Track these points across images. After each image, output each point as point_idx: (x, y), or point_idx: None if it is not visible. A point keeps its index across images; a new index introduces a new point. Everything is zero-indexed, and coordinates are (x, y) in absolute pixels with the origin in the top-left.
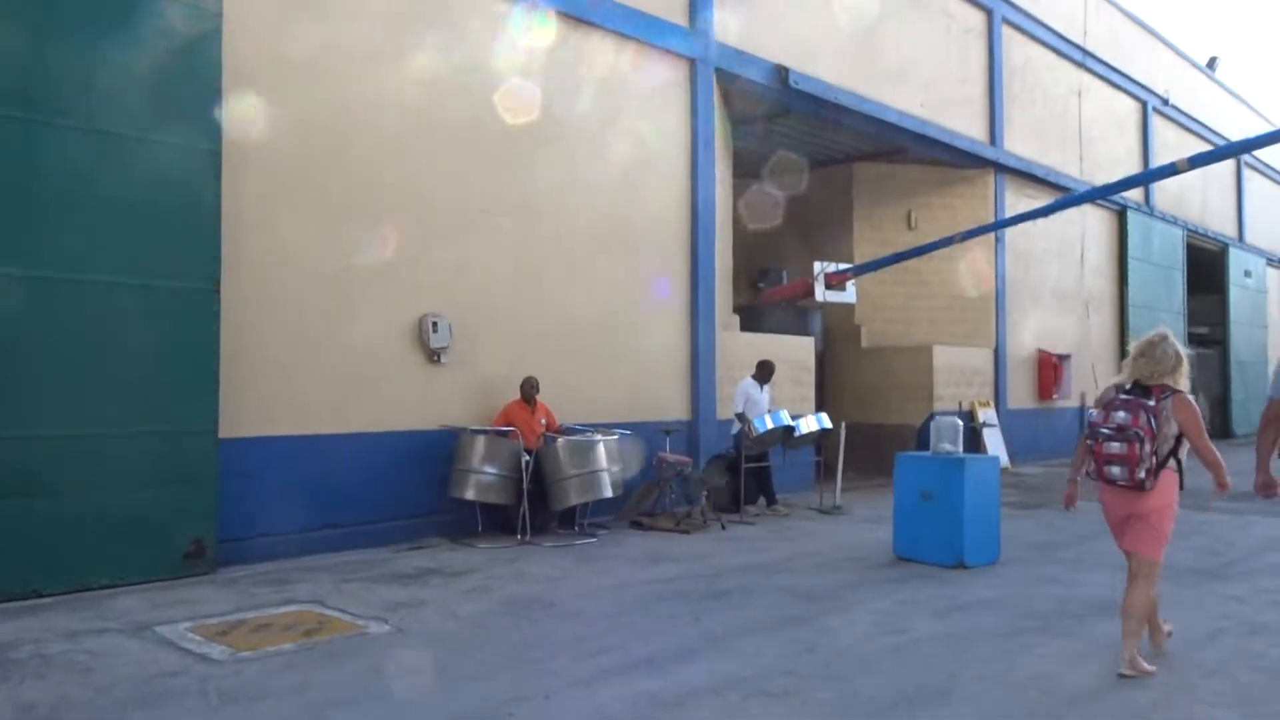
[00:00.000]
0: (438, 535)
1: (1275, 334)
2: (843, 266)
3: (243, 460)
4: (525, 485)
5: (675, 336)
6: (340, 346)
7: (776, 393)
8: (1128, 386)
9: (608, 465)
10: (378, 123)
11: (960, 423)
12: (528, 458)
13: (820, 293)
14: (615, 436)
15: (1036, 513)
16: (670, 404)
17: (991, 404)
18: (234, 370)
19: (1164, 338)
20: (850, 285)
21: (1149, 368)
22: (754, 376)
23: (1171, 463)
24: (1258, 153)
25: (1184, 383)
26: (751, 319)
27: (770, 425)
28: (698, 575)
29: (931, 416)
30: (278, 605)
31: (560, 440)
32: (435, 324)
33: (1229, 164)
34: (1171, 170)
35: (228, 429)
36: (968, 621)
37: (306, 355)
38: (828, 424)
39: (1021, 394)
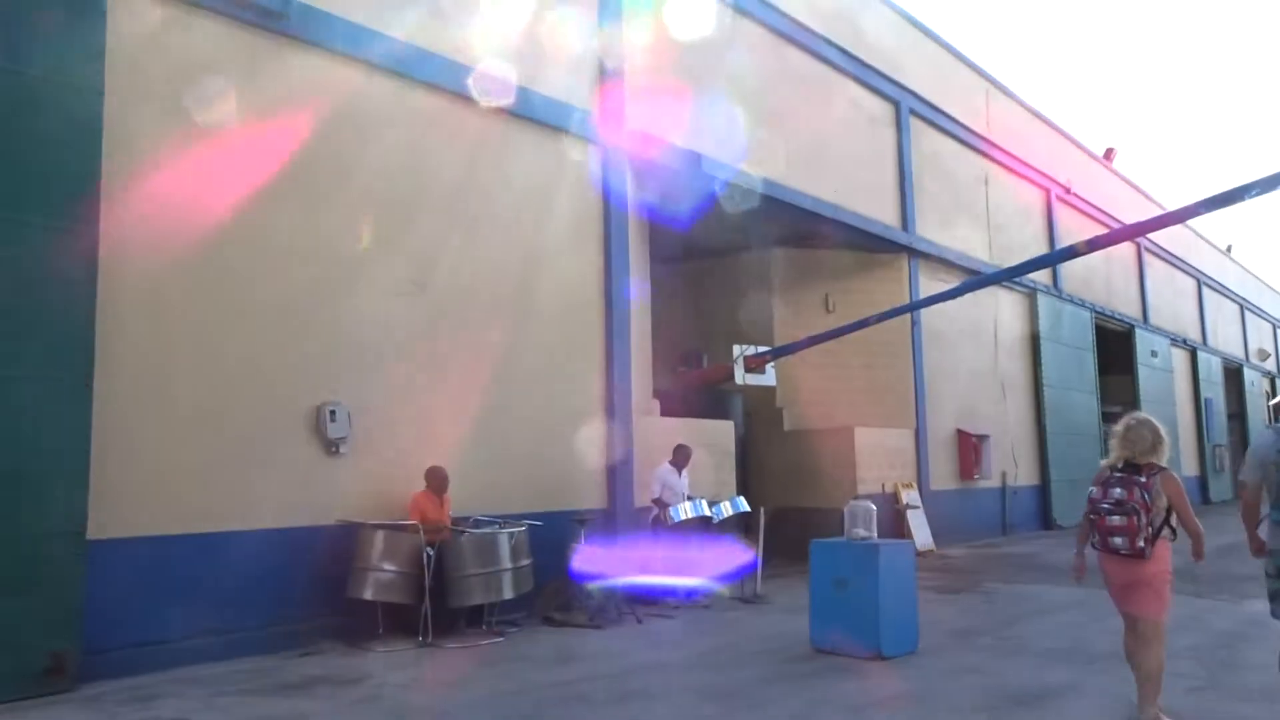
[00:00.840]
0: (334, 639)
1: (1184, 412)
2: (761, 350)
3: (113, 563)
4: (427, 582)
5: (591, 423)
6: (227, 439)
7: (697, 477)
8: (1120, 466)
9: (513, 562)
10: (267, 195)
11: (874, 507)
12: (431, 553)
13: (739, 375)
14: (522, 529)
15: (959, 597)
16: (587, 492)
17: (914, 485)
18: (106, 467)
19: (1141, 421)
20: (769, 368)
21: (1132, 449)
22: (671, 462)
23: (1166, 532)
24: (1155, 238)
25: (1164, 458)
26: (673, 403)
27: (689, 514)
28: (605, 676)
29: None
30: None
31: (465, 535)
32: (333, 413)
33: (1131, 249)
34: (1071, 253)
35: (97, 530)
36: None
37: (188, 449)
38: (745, 507)
39: (944, 474)
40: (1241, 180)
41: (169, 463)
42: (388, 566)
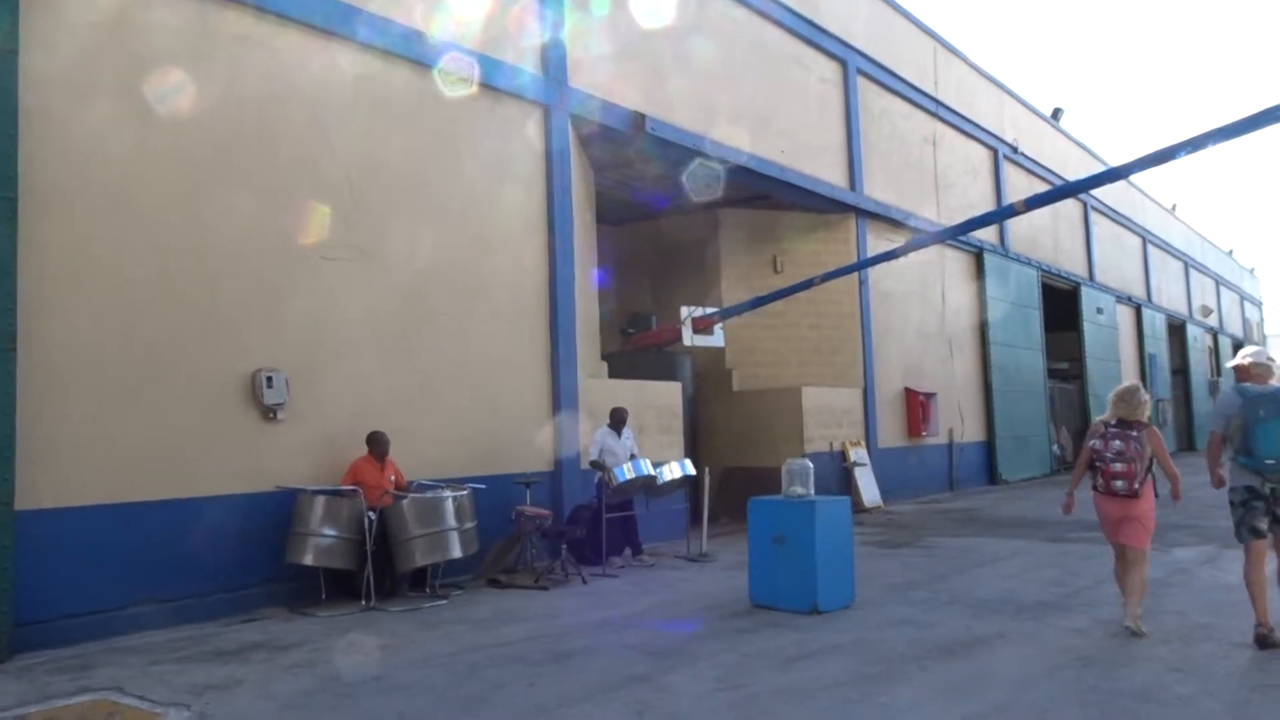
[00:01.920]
0: (276, 605)
1: (1128, 369)
2: (709, 311)
3: (45, 534)
4: (369, 547)
5: (535, 386)
6: (161, 406)
7: (645, 440)
8: (1113, 423)
9: (458, 523)
10: (195, 160)
11: (810, 465)
12: (373, 517)
13: (687, 337)
14: (465, 492)
15: (899, 552)
16: (532, 455)
17: (863, 443)
18: (35, 435)
19: (1137, 388)
20: (718, 329)
21: (1127, 410)
22: (608, 425)
23: (1149, 476)
24: (1101, 196)
25: (1146, 415)
26: (623, 366)
27: (630, 474)
28: (545, 636)
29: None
30: (69, 695)
31: (406, 499)
32: (270, 379)
33: (1077, 208)
34: (1010, 211)
35: (27, 500)
36: (812, 671)
37: (121, 417)
38: (691, 470)
39: (892, 433)
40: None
41: (100, 431)
42: (327, 531)
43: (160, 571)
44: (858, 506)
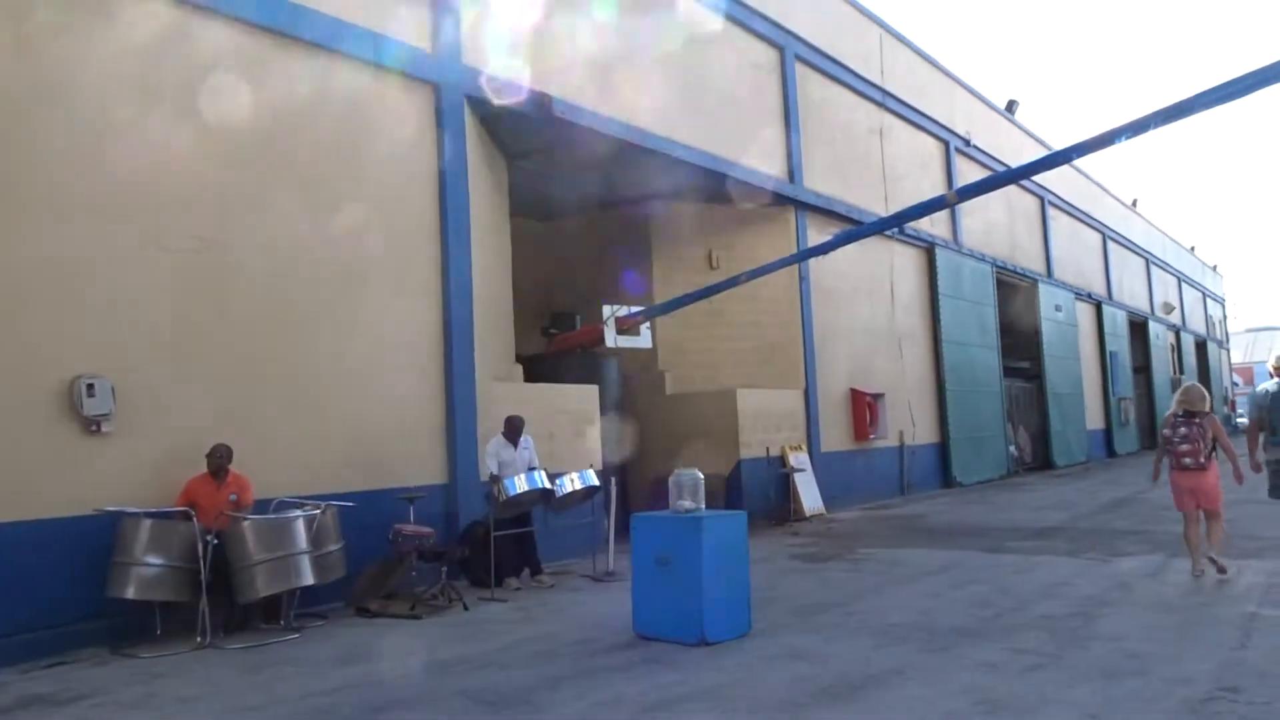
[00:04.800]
0: (99, 645)
1: (1089, 366)
2: (633, 310)
3: None
4: (204, 576)
5: (425, 390)
6: None
7: (556, 448)
8: (1180, 414)
9: (313, 546)
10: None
11: (700, 476)
12: (215, 541)
13: (610, 338)
14: (319, 510)
15: (824, 567)
16: (422, 468)
17: (804, 448)
18: None
19: (1197, 386)
20: (644, 330)
21: (1190, 403)
22: (503, 434)
23: (1214, 454)
24: (1059, 192)
25: (1208, 407)
26: (546, 369)
27: (523, 487)
28: (374, 683)
29: (738, 464)
30: None
31: (246, 521)
32: (90, 386)
33: (1034, 203)
34: (941, 202)
35: None
36: None
37: None
38: (594, 481)
39: (837, 436)
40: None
41: None
42: (152, 560)
43: None
44: (797, 514)
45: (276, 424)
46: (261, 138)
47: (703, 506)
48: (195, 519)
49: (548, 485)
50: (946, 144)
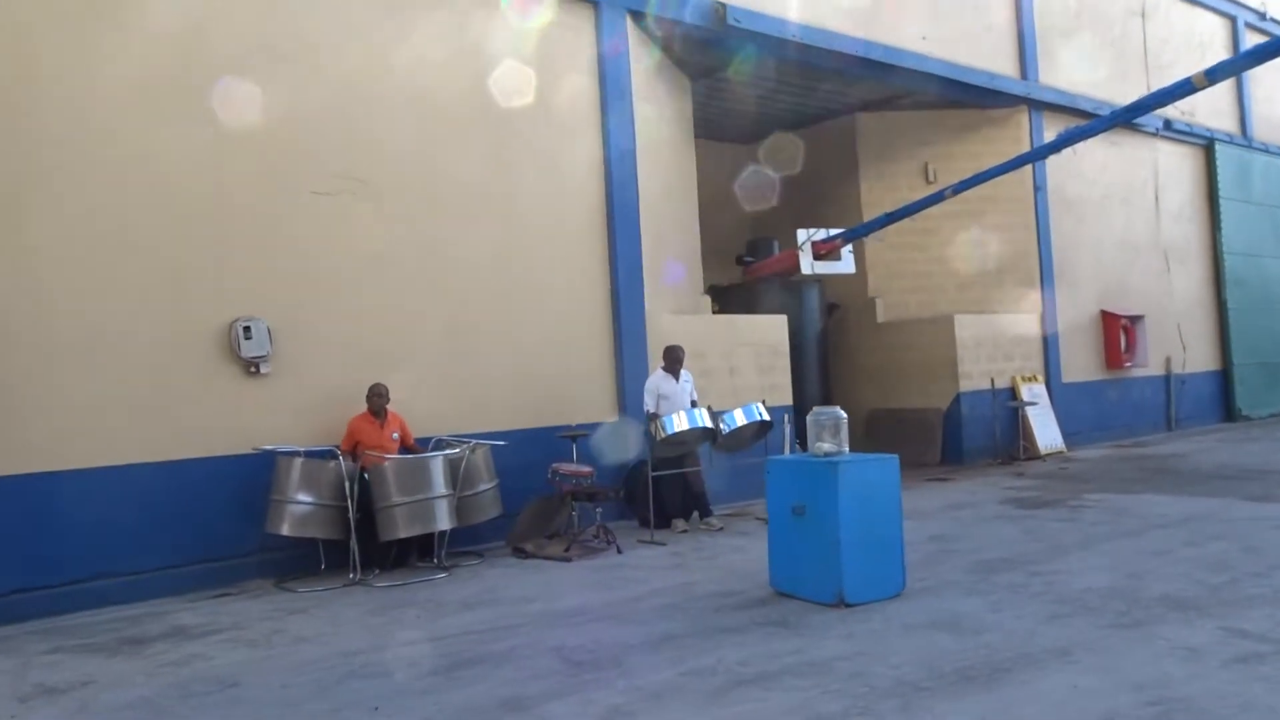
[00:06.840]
0: (267, 576)
1: None
2: (831, 233)
3: None
4: (352, 515)
5: (592, 323)
6: (121, 364)
7: (738, 382)
8: None
9: (456, 488)
10: (150, 88)
11: (844, 415)
12: (366, 479)
13: (806, 265)
14: (466, 448)
15: (1035, 514)
16: (589, 405)
17: (1040, 378)
18: None
19: None
20: (846, 253)
21: None
22: (663, 367)
23: None
24: None
25: None
26: (739, 299)
27: (682, 425)
28: (483, 630)
29: (957, 398)
30: None
31: (389, 462)
32: (248, 329)
33: None
34: (1189, 88)
35: None
36: (746, 705)
37: (75, 376)
38: (763, 415)
39: (1083, 365)
40: None
41: (50, 392)
42: (303, 498)
43: (122, 543)
44: (1030, 452)
45: (437, 362)
46: (423, 69)
47: (846, 448)
48: (342, 458)
49: (707, 423)
50: (1233, 20)
